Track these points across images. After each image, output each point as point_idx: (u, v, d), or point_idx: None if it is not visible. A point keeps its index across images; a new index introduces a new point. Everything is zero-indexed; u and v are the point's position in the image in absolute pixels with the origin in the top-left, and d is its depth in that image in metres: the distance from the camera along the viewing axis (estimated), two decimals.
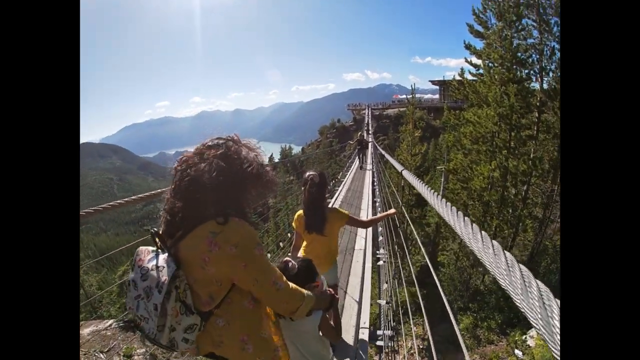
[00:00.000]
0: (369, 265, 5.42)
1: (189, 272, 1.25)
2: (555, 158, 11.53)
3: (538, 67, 11.82)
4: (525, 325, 10.39)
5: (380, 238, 6.11)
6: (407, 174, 2.79)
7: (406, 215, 5.39)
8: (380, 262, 5.44)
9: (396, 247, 5.80)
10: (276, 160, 64.05)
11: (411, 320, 3.74)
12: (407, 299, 5.90)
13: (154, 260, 1.25)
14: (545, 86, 11.92)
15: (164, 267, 1.21)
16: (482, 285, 12.96)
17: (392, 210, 3.84)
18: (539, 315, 0.78)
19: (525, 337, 9.68)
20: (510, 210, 11.97)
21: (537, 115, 11.84)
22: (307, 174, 2.92)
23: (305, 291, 1.52)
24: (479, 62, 13.44)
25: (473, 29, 13.46)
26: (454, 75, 14.76)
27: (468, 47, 13.48)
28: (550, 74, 11.85)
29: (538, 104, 11.72)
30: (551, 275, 12.01)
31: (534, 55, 11.86)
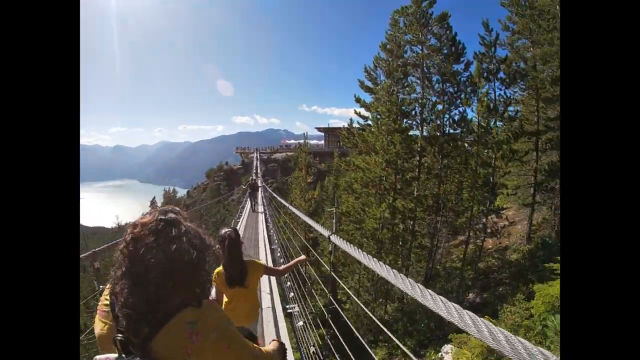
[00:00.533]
0: (282, 324, 5.25)
1: None
2: (436, 194, 12.95)
3: (419, 117, 13.37)
4: (437, 343, 10.89)
5: (292, 294, 5.97)
6: (335, 239, 2.84)
7: (320, 259, 5.45)
8: (300, 323, 5.17)
9: (304, 292, 5.80)
10: (159, 204, 60.15)
11: None
12: (318, 343, 5.83)
13: None
14: (425, 134, 13.48)
15: None
16: (386, 315, 13.47)
17: (303, 257, 3.97)
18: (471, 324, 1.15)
19: (441, 354, 10.08)
20: (401, 244, 12.88)
21: (418, 159, 13.28)
22: (223, 231, 3.05)
23: (270, 349, 1.54)
24: (366, 113, 14.95)
25: (364, 84, 14.96)
26: (344, 124, 16.08)
27: (358, 100, 14.91)
28: (430, 123, 13.49)
29: (419, 149, 13.14)
30: (448, 294, 12.89)
31: (416, 108, 13.45)
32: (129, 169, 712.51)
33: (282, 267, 4.15)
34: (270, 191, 18.29)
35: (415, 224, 13.22)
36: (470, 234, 13.04)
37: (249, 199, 21.03)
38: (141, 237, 1.11)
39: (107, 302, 1.21)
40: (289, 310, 5.67)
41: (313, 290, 5.89)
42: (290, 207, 7.49)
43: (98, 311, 1.28)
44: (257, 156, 57.27)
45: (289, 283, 6.34)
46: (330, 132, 55.96)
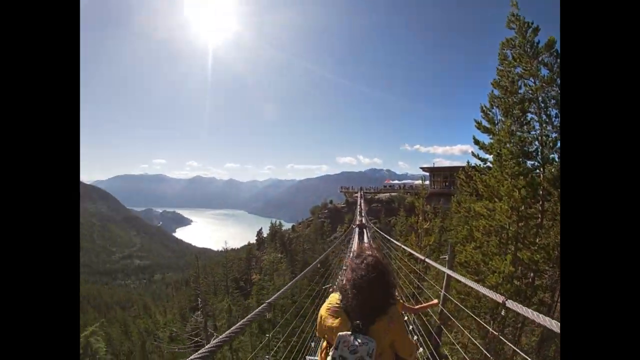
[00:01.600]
0: None
1: (377, 342, 1.97)
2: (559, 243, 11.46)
3: (540, 157, 12.23)
4: None
5: (420, 350, 5.45)
6: (511, 304, 2.89)
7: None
8: None
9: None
10: (264, 234, 63.04)
11: None
12: None
13: (357, 340, 1.94)
14: (547, 175, 12.20)
15: (366, 343, 1.92)
16: None
17: (435, 301, 4.14)
18: None
19: None
20: (521, 299, 11.56)
21: (541, 204, 12.07)
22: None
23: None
24: (485, 155, 14.07)
25: (481, 124, 14.14)
26: (462, 167, 15.40)
27: (476, 142, 14.16)
28: (553, 163, 12.22)
29: (541, 193, 11.96)
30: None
31: (536, 146, 12.35)
32: (239, 201, 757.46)
33: (417, 306, 4.27)
34: (388, 237, 17.89)
35: (536, 277, 11.86)
36: None
37: (357, 238, 21.59)
38: (374, 265, 2.11)
39: (338, 305, 2.15)
40: None
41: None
42: (430, 262, 6.98)
43: (329, 310, 2.17)
44: (361, 195, 56.89)
45: (415, 337, 5.76)
46: (435, 172, 53.44)
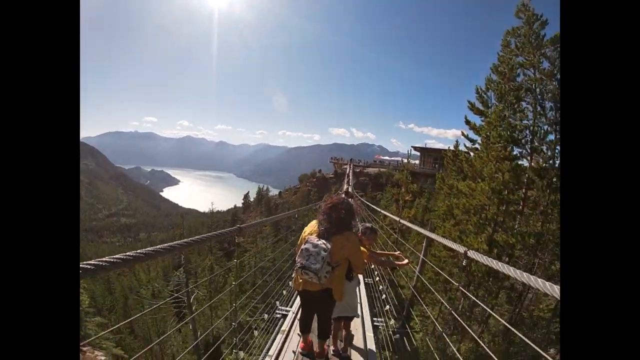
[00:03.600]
0: (370, 335, 4.88)
1: (334, 250, 3.10)
2: (539, 232, 11.79)
3: (529, 147, 12.45)
4: None
5: (388, 307, 5.63)
6: (473, 254, 3.10)
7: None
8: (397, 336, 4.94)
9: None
10: (251, 199, 63.55)
11: None
12: None
13: (319, 241, 3.10)
14: (534, 165, 12.44)
15: (324, 244, 3.07)
16: (458, 353, 12.48)
17: (406, 261, 4.21)
18: None
19: None
20: (492, 281, 11.94)
21: (524, 191, 12.37)
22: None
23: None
24: (474, 136, 14.18)
25: (474, 106, 14.28)
26: (449, 146, 15.52)
27: (467, 122, 14.26)
28: (540, 154, 12.47)
29: (525, 181, 12.24)
30: (527, 346, 11.56)
31: (527, 136, 12.56)
32: (228, 164, 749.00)
33: (382, 258, 4.54)
34: (367, 202, 18.08)
35: (510, 262, 12.18)
36: None
37: None
38: (337, 203, 3.31)
39: (314, 225, 3.37)
40: (375, 324, 5.45)
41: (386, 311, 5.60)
42: (405, 223, 7.71)
43: (309, 227, 3.45)
44: (350, 166, 57.13)
45: (384, 296, 6.06)
46: (426, 153, 53.54)
